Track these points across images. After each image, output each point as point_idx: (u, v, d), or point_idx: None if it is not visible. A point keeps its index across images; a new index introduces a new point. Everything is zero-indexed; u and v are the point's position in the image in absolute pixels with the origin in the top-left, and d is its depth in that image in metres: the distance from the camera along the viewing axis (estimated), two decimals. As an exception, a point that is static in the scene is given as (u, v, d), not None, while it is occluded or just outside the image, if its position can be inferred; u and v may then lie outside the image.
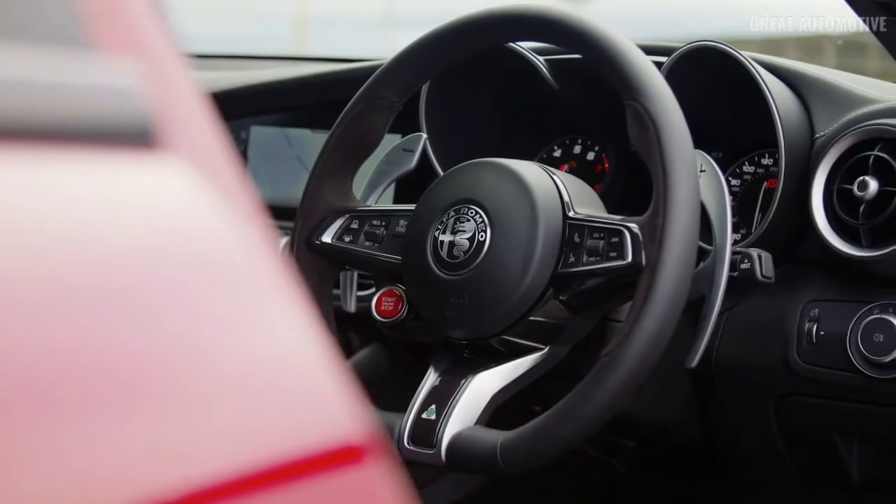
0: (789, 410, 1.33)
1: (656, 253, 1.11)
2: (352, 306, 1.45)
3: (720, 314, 1.35)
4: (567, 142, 1.60)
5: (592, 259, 1.17)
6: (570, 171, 1.59)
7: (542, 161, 1.61)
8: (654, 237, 1.11)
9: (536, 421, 1.15)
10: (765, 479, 1.45)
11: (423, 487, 1.71)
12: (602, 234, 1.17)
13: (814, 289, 1.29)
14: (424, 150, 1.50)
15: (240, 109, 1.90)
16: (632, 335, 1.10)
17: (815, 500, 1.45)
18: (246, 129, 1.88)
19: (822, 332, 1.26)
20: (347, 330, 1.72)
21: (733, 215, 1.42)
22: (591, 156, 1.57)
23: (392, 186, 1.59)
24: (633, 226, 1.14)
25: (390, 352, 1.68)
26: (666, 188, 1.11)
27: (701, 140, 1.44)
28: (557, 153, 1.60)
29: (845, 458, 1.33)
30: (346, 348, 1.72)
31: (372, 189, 1.40)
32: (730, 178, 1.44)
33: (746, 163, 1.43)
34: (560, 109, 1.55)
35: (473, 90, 1.57)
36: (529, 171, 1.24)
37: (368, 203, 1.37)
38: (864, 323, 1.23)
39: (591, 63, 1.21)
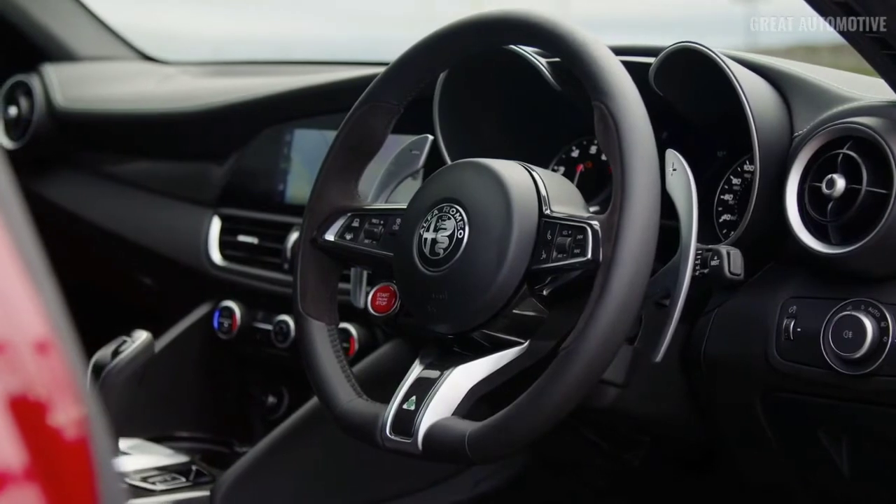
0: (775, 407, 1.33)
1: (611, 249, 1.13)
2: (360, 301, 1.50)
3: (709, 311, 1.38)
4: (584, 143, 1.62)
5: (560, 256, 1.20)
6: (586, 171, 1.62)
7: (560, 162, 1.64)
8: (610, 234, 1.14)
9: (500, 413, 1.18)
10: (762, 475, 1.45)
11: (444, 482, 1.76)
12: (570, 232, 1.20)
13: (794, 286, 1.30)
14: (436, 151, 1.56)
15: (285, 113, 1.98)
16: (586, 330, 1.13)
17: (813, 496, 1.45)
18: (290, 132, 1.96)
19: (798, 329, 1.26)
20: (373, 326, 1.78)
21: (732, 213, 1.44)
22: (605, 156, 1.60)
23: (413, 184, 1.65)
24: (595, 223, 1.17)
25: (411, 347, 1.73)
26: (623, 187, 1.14)
27: (702, 140, 1.47)
28: (575, 153, 1.63)
29: (834, 454, 1.33)
30: (372, 343, 1.78)
31: (381, 189, 1.45)
32: (731, 177, 1.45)
33: (748, 161, 1.44)
34: (572, 111, 1.58)
35: (486, 93, 1.61)
36: (509, 170, 1.27)
37: (378, 202, 1.42)
38: (835, 320, 1.23)
39: (566, 65, 1.24)
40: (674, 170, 1.23)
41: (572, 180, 1.61)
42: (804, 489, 1.42)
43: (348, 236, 1.37)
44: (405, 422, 1.24)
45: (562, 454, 1.73)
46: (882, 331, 1.20)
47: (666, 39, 1.40)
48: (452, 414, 1.23)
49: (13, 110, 2.45)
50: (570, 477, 1.78)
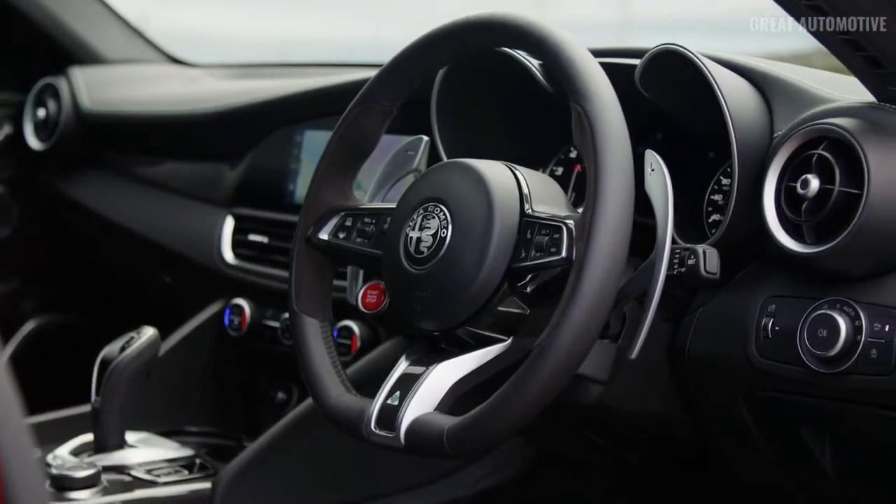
0: (758, 406, 1.34)
1: (584, 248, 1.15)
2: (355, 299, 1.52)
3: (693, 310, 1.39)
4: (583, 143, 1.64)
5: (538, 254, 1.22)
6: (584, 172, 1.64)
7: (559, 162, 1.66)
8: (583, 233, 1.16)
9: (477, 409, 1.19)
10: (753, 475, 1.46)
11: (445, 478, 1.78)
12: (547, 231, 1.22)
13: (774, 285, 1.31)
14: (434, 150, 1.58)
15: (295, 114, 2.01)
16: (558, 327, 1.14)
17: (808, 495, 1.46)
18: (301, 133, 2.00)
19: (776, 328, 1.28)
20: (376, 324, 1.81)
21: (721, 213, 1.45)
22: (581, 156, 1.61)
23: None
24: (570, 222, 1.19)
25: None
26: (596, 187, 1.16)
27: (695, 141, 1.48)
28: (573, 154, 1.65)
29: (818, 454, 1.34)
30: (374, 340, 1.81)
31: (378, 189, 1.48)
32: (720, 178, 1.47)
33: None
34: (569, 111, 1.59)
35: (485, 94, 1.63)
36: (493, 170, 1.29)
37: (374, 202, 1.45)
38: (811, 318, 1.24)
39: (547, 67, 1.26)
40: (652, 170, 1.25)
41: (570, 181, 1.63)
42: (799, 489, 1.43)
43: (341, 235, 1.40)
44: (389, 416, 1.26)
45: (562, 452, 1.75)
46: (856, 329, 1.21)
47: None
48: (435, 409, 1.25)
49: (42, 112, 2.51)
50: (572, 475, 1.79)
